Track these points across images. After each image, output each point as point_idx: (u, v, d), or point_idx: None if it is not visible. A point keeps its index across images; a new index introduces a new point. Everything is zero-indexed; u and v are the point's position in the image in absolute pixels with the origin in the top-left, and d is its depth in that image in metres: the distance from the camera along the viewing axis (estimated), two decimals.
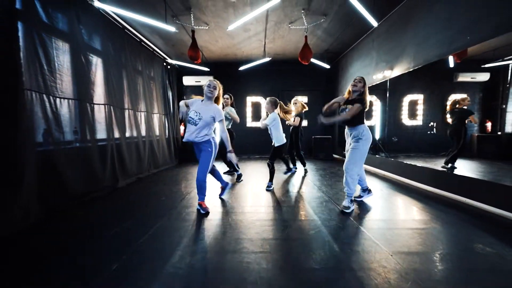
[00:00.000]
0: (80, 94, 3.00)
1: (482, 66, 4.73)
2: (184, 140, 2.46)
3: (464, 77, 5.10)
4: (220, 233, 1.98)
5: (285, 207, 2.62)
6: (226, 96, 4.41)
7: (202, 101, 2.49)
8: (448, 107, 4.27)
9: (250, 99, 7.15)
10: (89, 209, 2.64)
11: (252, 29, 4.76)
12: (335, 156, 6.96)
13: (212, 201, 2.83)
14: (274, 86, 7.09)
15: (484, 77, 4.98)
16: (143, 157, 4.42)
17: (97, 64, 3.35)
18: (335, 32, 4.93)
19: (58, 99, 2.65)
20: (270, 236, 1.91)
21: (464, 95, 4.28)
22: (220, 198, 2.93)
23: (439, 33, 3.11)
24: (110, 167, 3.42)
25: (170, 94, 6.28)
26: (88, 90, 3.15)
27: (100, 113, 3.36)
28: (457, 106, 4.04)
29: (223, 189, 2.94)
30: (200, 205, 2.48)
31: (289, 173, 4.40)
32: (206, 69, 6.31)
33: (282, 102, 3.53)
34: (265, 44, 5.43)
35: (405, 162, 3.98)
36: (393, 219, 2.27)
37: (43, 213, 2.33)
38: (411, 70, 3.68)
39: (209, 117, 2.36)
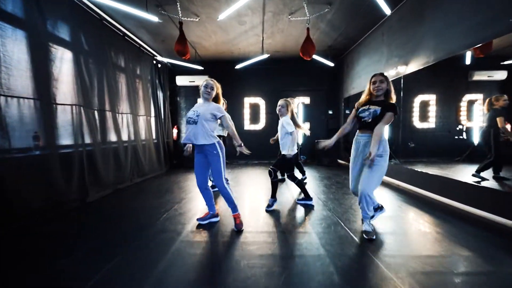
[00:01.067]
0: (37, 92, 2.51)
1: (502, 63, 4.21)
2: (183, 141, 2.18)
3: (480, 76, 4.58)
4: (195, 275, 1.46)
5: (284, 234, 2.08)
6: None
7: (198, 102, 2.29)
8: (485, 109, 3.65)
9: (248, 100, 6.65)
10: (37, 232, 2.12)
11: (248, 22, 4.27)
12: (340, 161, 6.41)
13: (192, 224, 2.30)
14: (274, 86, 6.58)
15: (501, 75, 4.49)
16: (124, 165, 3.91)
17: (63, 58, 2.86)
18: (340, 24, 4.42)
19: (2, 97, 2.15)
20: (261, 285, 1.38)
21: (501, 95, 3.59)
22: (199, 220, 2.31)
23: (468, 19, 2.58)
24: (78, 178, 2.91)
25: (160, 94, 5.80)
26: (50, 87, 2.65)
27: (65, 115, 2.86)
28: (492, 106, 3.43)
29: (206, 215, 2.36)
30: (234, 220, 2.23)
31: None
32: (200, 67, 5.82)
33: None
34: (263, 39, 4.93)
35: (425, 171, 3.43)
36: (421, 253, 1.73)
37: None
38: (431, 64, 3.16)
39: (208, 114, 2.10)
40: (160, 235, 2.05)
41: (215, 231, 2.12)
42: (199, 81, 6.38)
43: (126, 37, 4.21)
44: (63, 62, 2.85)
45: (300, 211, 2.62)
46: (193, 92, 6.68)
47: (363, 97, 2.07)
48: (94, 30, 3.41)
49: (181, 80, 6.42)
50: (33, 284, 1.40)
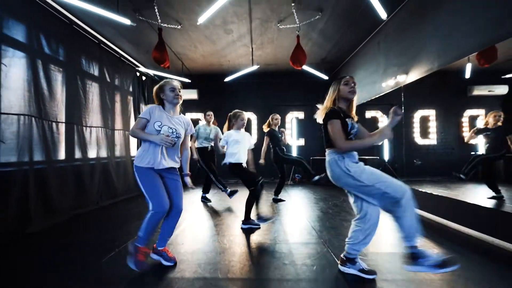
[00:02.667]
0: None
1: (503, 77, 3.95)
2: (151, 166, 1.64)
3: (480, 91, 4.30)
4: None
5: (262, 283, 1.54)
6: (209, 112, 3.86)
7: (162, 108, 1.76)
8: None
9: None
10: None
11: (234, 30, 4.01)
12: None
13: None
14: (266, 100, 6.26)
15: (502, 90, 4.22)
16: (89, 186, 3.39)
17: (12, 60, 2.47)
18: (333, 34, 4.18)
19: None
20: None
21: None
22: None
23: (476, 19, 2.27)
24: (17, 204, 2.37)
25: (144, 107, 5.41)
26: None
27: (10, 126, 2.40)
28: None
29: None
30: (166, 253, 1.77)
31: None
32: (187, 80, 5.51)
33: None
34: (252, 50, 4.67)
35: (430, 192, 2.94)
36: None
37: None
38: (435, 71, 2.81)
39: (183, 133, 1.78)
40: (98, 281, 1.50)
41: (173, 274, 1.58)
42: (188, 95, 6.05)
43: (102, 45, 3.89)
44: (11, 65, 2.45)
45: (286, 244, 2.08)
46: (182, 106, 6.31)
47: (331, 104, 1.65)
48: (60, 34, 3.07)
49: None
50: None
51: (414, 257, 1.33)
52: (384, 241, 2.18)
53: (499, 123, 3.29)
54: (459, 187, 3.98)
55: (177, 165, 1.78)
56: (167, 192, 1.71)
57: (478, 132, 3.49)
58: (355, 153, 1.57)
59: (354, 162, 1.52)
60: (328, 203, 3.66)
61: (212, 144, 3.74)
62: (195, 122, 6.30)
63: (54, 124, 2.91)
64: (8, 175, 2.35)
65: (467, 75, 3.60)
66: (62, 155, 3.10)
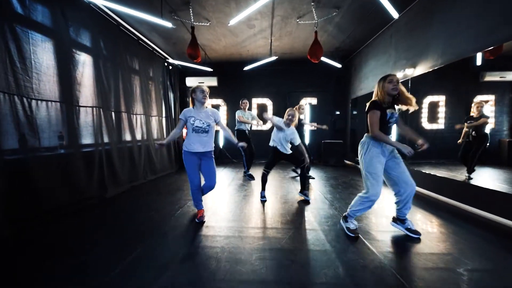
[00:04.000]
0: (63, 95, 2.71)
1: None
2: (192, 151, 2.25)
3: (492, 76, 4.54)
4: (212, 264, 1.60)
5: (292, 230, 2.20)
6: (245, 100, 4.56)
7: (194, 108, 2.32)
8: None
9: (255, 101, 6.77)
10: (64, 223, 2.31)
11: (257, 26, 4.39)
12: (346, 162, 6.45)
13: (206, 219, 2.45)
14: (281, 87, 6.68)
15: None
16: (138, 163, 4.11)
17: (85, 63, 3.06)
18: (348, 27, 4.48)
19: (34, 101, 2.35)
20: (271, 277, 1.51)
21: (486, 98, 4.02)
22: (199, 220, 2.38)
23: (476, 22, 2.62)
24: (98, 175, 3.11)
25: (171, 95, 5.99)
26: (73, 91, 2.85)
27: (87, 117, 3.06)
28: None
29: (202, 214, 2.43)
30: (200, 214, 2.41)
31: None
32: (209, 69, 5.98)
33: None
34: (271, 41, 5.05)
35: (433, 173, 3.47)
36: (423, 250, 1.81)
37: (10, 228, 2.01)
38: (438, 67, 3.20)
39: (212, 122, 2.32)
40: (173, 231, 2.20)
41: (225, 226, 2.26)
42: (208, 82, 6.55)
43: (140, 41, 4.40)
44: (85, 66, 3.05)
45: (307, 210, 2.72)
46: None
47: (383, 98, 1.92)
48: (112, 36, 3.60)
49: (191, 81, 6.60)
50: (58, 274, 1.57)
51: (345, 218, 2.10)
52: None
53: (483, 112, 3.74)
54: (459, 169, 4.44)
55: (211, 149, 2.34)
56: (203, 171, 2.35)
57: (466, 121, 3.92)
58: (387, 146, 1.96)
59: (377, 150, 1.94)
60: (338, 180, 4.26)
61: (249, 127, 4.57)
62: (215, 107, 6.86)
63: (113, 113, 3.55)
64: (90, 154, 3.06)
65: (478, 62, 3.93)
66: (119, 138, 3.79)
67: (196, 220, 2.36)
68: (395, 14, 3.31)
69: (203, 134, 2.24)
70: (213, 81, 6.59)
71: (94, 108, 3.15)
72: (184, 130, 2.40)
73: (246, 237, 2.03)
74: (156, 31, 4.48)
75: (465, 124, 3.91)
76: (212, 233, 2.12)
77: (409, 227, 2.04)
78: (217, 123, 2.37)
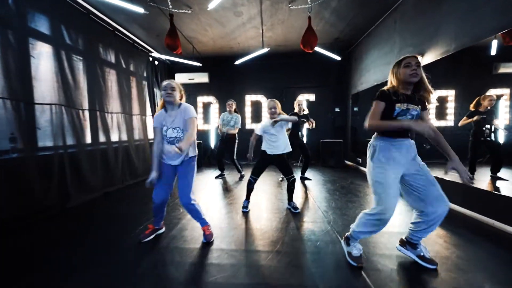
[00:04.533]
0: (12, 91, 2.32)
1: None
2: (165, 162, 1.92)
3: (507, 68, 4.06)
4: None
5: (269, 254, 1.78)
6: (230, 102, 4.24)
7: (165, 111, 1.90)
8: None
9: (249, 98, 6.34)
10: (8, 242, 1.93)
11: (244, 13, 3.95)
12: (347, 162, 5.99)
13: (174, 232, 2.05)
14: (277, 82, 6.23)
15: None
16: (114, 167, 3.72)
17: (41, 53, 2.67)
18: (347, 13, 4.01)
19: None
20: None
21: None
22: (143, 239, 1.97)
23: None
24: (57, 182, 2.72)
25: (158, 93, 5.60)
26: (27, 86, 2.47)
27: (44, 116, 2.67)
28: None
29: (151, 231, 2.04)
30: (204, 232, 2.00)
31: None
32: (198, 64, 5.56)
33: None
34: (262, 32, 4.60)
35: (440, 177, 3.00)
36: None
37: None
38: (452, 53, 2.73)
39: (183, 123, 1.85)
40: (128, 253, 1.80)
41: (188, 240, 1.85)
42: (199, 78, 6.14)
43: (116, 32, 4.00)
44: (42, 58, 2.66)
45: (293, 225, 2.30)
46: (193, 90, 6.45)
47: (398, 88, 1.44)
48: (79, 24, 3.21)
49: (180, 78, 6.20)
50: None
51: (347, 240, 1.66)
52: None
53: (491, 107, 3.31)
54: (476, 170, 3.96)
55: (190, 154, 1.91)
56: (178, 184, 1.94)
57: (470, 115, 3.49)
58: (405, 147, 1.48)
59: (387, 154, 1.46)
60: (336, 184, 3.81)
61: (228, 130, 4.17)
62: (207, 105, 6.45)
63: (80, 111, 3.17)
64: (48, 158, 2.67)
65: (493, 52, 3.44)
66: (88, 139, 3.41)
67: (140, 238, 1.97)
68: None
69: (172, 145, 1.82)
70: (204, 77, 6.18)
71: (54, 106, 2.77)
72: None
73: (210, 265, 1.62)
74: (135, 21, 4.08)
75: (475, 117, 3.46)
76: (171, 257, 1.71)
77: (422, 254, 1.57)
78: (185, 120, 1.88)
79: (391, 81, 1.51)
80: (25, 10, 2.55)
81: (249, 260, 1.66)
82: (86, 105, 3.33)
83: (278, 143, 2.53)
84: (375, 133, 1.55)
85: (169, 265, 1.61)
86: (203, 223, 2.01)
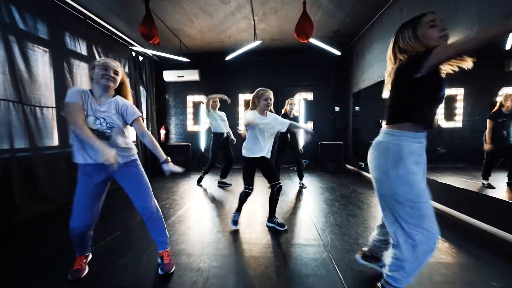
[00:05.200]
0: None
1: None
2: (88, 162, 1.37)
3: None
4: None
5: None
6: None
7: (91, 93, 1.38)
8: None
9: (243, 97, 5.89)
10: None
11: (232, 1, 3.52)
12: (348, 167, 5.52)
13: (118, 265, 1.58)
14: (272, 80, 5.78)
15: None
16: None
17: None
18: (347, 1, 3.58)
19: None
20: None
21: None
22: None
23: None
24: (2, 192, 2.27)
25: (143, 91, 5.17)
26: None
27: None
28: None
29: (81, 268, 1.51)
30: (162, 258, 1.53)
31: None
32: (186, 59, 5.13)
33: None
34: (254, 23, 4.17)
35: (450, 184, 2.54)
36: None
37: None
38: None
39: (121, 123, 1.42)
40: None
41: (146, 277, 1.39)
42: (189, 76, 5.71)
43: (88, 21, 3.57)
44: None
45: (279, 252, 1.83)
46: (182, 89, 6.02)
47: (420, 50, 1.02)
48: (37, 7, 2.78)
49: (169, 76, 5.76)
50: None
51: None
52: None
53: None
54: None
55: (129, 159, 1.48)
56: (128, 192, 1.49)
57: (493, 118, 3.05)
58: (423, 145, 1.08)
59: (414, 156, 1.05)
60: (335, 193, 3.34)
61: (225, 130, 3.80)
62: (197, 105, 6.01)
63: (38, 109, 2.72)
64: None
65: (508, 46, 3.01)
66: (55, 141, 2.97)
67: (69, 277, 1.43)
68: None
69: (102, 142, 1.29)
70: (194, 75, 5.75)
71: (2, 102, 2.32)
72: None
73: None
74: (111, 10, 3.65)
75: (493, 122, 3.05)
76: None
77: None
78: (130, 125, 1.45)
79: (410, 47, 1.05)
80: None
81: None
82: (48, 102, 2.89)
83: (265, 143, 2.07)
84: (390, 125, 1.09)
85: None
86: (164, 243, 1.55)
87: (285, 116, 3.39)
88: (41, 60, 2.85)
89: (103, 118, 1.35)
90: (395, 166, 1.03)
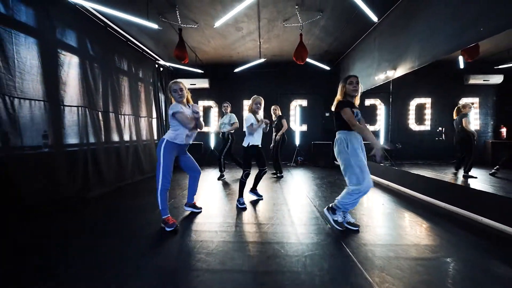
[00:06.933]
0: (48, 95, 2.75)
1: (496, 67, 4.36)
2: (184, 143, 2.28)
3: (475, 79, 4.71)
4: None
5: (273, 225, 2.25)
6: (225, 104, 4.50)
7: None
8: (454, 115, 4.13)
9: (247, 103, 6.85)
10: (34, 224, 2.33)
11: (244, 28, 4.48)
12: (336, 163, 6.53)
13: (185, 216, 2.49)
14: (272, 89, 6.77)
15: (497, 79, 4.59)
16: (125, 164, 4.13)
17: (70, 63, 3.10)
18: (334, 30, 4.60)
19: (17, 100, 2.39)
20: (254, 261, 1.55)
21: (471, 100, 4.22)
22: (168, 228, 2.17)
23: (447, 26, 2.73)
24: (82, 175, 3.13)
25: (162, 97, 6.05)
26: (58, 90, 2.90)
27: (72, 116, 3.10)
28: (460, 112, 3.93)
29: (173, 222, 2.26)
30: (193, 204, 2.63)
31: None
32: (200, 71, 6.05)
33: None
34: (260, 44, 5.14)
35: (411, 171, 3.55)
36: (394, 243, 1.87)
37: None
38: (415, 69, 3.29)
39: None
40: (150, 229, 2.24)
41: (195, 226, 2.30)
42: (200, 83, 6.62)
43: (129, 42, 4.46)
44: (70, 67, 3.10)
45: (287, 207, 2.78)
46: (194, 95, 6.86)
47: (342, 97, 2.11)
48: (99, 36, 3.66)
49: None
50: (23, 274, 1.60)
51: (333, 210, 2.13)
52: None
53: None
54: (443, 169, 4.54)
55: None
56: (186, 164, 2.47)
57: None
58: (360, 139, 2.05)
59: (354, 145, 2.01)
60: (323, 180, 4.32)
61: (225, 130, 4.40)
62: (207, 109, 6.93)
63: (100, 113, 3.60)
64: (74, 153, 3.09)
65: (461, 65, 4.08)
66: (106, 138, 3.83)
67: (167, 229, 2.13)
68: (374, 18, 3.42)
69: (186, 129, 2.23)
70: (204, 83, 6.66)
71: (80, 108, 3.19)
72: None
73: (226, 232, 2.07)
74: (145, 33, 4.55)
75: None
76: (195, 228, 2.16)
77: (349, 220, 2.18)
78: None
79: (340, 92, 2.12)
80: (55, 24, 2.98)
81: (248, 230, 2.13)
82: (105, 107, 3.75)
83: (259, 135, 2.85)
84: (339, 129, 2.10)
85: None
86: (193, 196, 2.61)
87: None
88: (100, 76, 3.70)
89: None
90: (346, 147, 2.01)
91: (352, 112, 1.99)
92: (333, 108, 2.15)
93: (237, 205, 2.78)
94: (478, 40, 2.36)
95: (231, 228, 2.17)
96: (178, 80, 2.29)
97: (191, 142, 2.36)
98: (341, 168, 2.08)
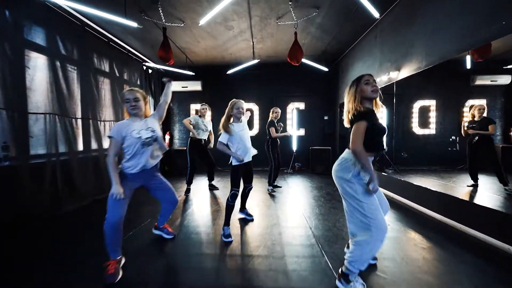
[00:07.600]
0: (7, 101, 2.42)
1: (505, 67, 4.03)
2: (134, 172, 1.80)
3: (482, 80, 4.38)
4: None
5: (251, 259, 1.90)
6: (203, 106, 3.99)
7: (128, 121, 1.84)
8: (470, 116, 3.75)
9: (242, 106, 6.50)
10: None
11: (235, 27, 4.15)
12: None
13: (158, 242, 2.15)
14: (268, 91, 6.44)
15: (506, 79, 4.28)
16: (104, 174, 3.79)
17: (36, 65, 2.78)
18: (332, 28, 4.27)
19: None
20: None
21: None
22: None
23: (459, 20, 2.39)
24: (50, 189, 2.79)
25: (152, 101, 5.72)
26: (21, 96, 2.57)
27: (38, 124, 2.76)
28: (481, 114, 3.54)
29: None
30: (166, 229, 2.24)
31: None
32: (191, 73, 5.72)
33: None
34: (253, 44, 4.82)
35: (421, 184, 3.19)
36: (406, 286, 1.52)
37: None
38: (422, 70, 2.96)
39: (159, 129, 1.95)
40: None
41: (171, 258, 1.96)
42: (192, 86, 6.29)
43: (111, 43, 4.13)
44: (36, 69, 2.77)
45: (279, 229, 2.43)
46: (186, 98, 6.59)
47: (358, 105, 1.48)
48: (74, 35, 3.34)
49: (174, 86, 6.30)
50: None
51: (345, 278, 1.45)
52: None
53: (484, 115, 3.52)
54: (452, 176, 4.19)
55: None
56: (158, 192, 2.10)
57: (468, 127, 3.68)
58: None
59: (362, 177, 1.47)
60: (321, 191, 3.97)
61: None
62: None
63: (73, 120, 3.26)
64: (40, 165, 2.75)
65: (468, 65, 3.73)
66: (80, 146, 3.50)
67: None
68: (376, 14, 3.09)
69: (148, 148, 1.81)
70: (197, 86, 6.34)
71: (47, 115, 2.86)
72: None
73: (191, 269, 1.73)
74: (129, 33, 4.23)
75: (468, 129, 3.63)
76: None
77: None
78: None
79: (352, 100, 1.51)
80: (21, 22, 2.67)
81: (230, 264, 1.78)
82: (79, 113, 3.43)
83: (248, 146, 2.37)
84: (350, 150, 1.50)
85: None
86: (166, 219, 2.24)
87: (272, 122, 3.84)
88: (75, 79, 3.38)
89: (149, 127, 1.87)
90: (356, 175, 1.48)
91: (373, 128, 1.42)
92: (346, 124, 1.57)
93: (221, 237, 2.25)
94: (498, 36, 2.03)
95: (209, 263, 1.82)
96: (135, 88, 1.85)
97: (155, 163, 1.92)
98: (344, 206, 1.55)
